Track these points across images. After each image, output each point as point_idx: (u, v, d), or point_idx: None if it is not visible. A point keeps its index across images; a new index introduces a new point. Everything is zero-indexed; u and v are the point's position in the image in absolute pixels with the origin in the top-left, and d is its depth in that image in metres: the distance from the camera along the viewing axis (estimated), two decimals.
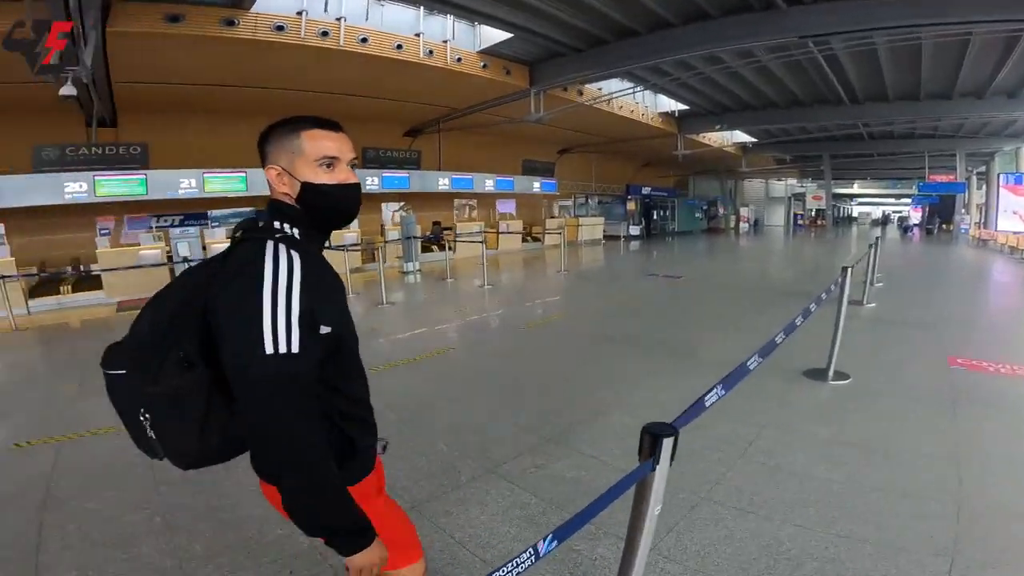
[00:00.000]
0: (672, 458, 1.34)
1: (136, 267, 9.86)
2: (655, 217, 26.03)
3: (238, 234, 1.11)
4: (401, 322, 7.15)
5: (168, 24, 7.90)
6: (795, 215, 32.94)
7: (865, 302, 7.08)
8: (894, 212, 40.60)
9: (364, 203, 1.32)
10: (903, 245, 20.90)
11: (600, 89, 14.78)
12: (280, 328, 0.97)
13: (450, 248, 14.49)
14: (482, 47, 11.37)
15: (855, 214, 45.50)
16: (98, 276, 10.62)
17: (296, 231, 1.11)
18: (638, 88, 14.55)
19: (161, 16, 7.83)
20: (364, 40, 9.86)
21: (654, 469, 1.33)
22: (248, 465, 1.06)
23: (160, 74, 10.24)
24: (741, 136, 22.19)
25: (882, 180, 36.46)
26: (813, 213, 32.13)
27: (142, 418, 1.07)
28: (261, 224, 1.11)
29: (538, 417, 3.57)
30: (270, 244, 1.04)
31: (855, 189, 40.43)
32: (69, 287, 11.01)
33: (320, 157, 1.10)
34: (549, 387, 4.23)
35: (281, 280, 1.00)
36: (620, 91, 14.17)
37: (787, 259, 15.19)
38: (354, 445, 1.19)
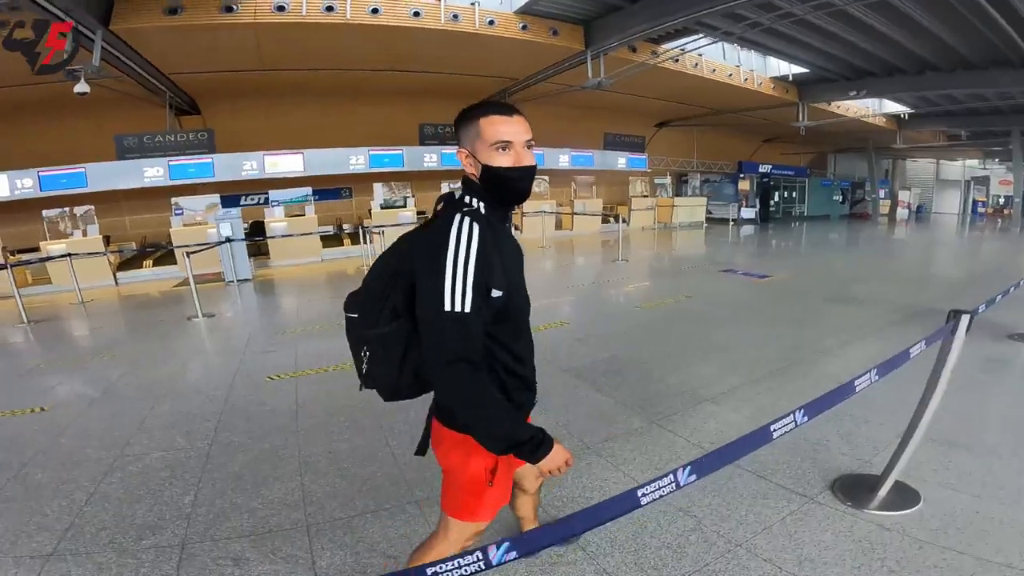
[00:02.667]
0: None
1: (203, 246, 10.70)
2: (776, 199, 22.87)
3: (438, 206, 1.37)
4: None
5: (168, 17, 8.41)
6: (974, 202, 26.89)
7: None
8: None
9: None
10: None
11: (683, 51, 12.99)
12: (457, 291, 1.19)
13: (516, 228, 13.85)
14: (519, 7, 10.44)
15: None
16: (172, 252, 12.17)
17: (482, 205, 1.33)
18: (730, 43, 12.51)
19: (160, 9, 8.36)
20: (375, 11, 9.67)
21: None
22: None
23: (213, 62, 10.97)
24: (894, 106, 18.35)
25: None
26: (1002, 201, 25.77)
27: (362, 354, 1.40)
28: (456, 198, 1.35)
29: None
30: (457, 217, 1.26)
31: None
32: (151, 262, 12.55)
33: (496, 141, 1.28)
34: None
35: (461, 251, 1.21)
36: (692, 45, 12.12)
37: (942, 258, 11.96)
38: (510, 398, 1.39)
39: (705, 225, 19.07)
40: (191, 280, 7.36)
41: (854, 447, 2.97)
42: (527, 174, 1.33)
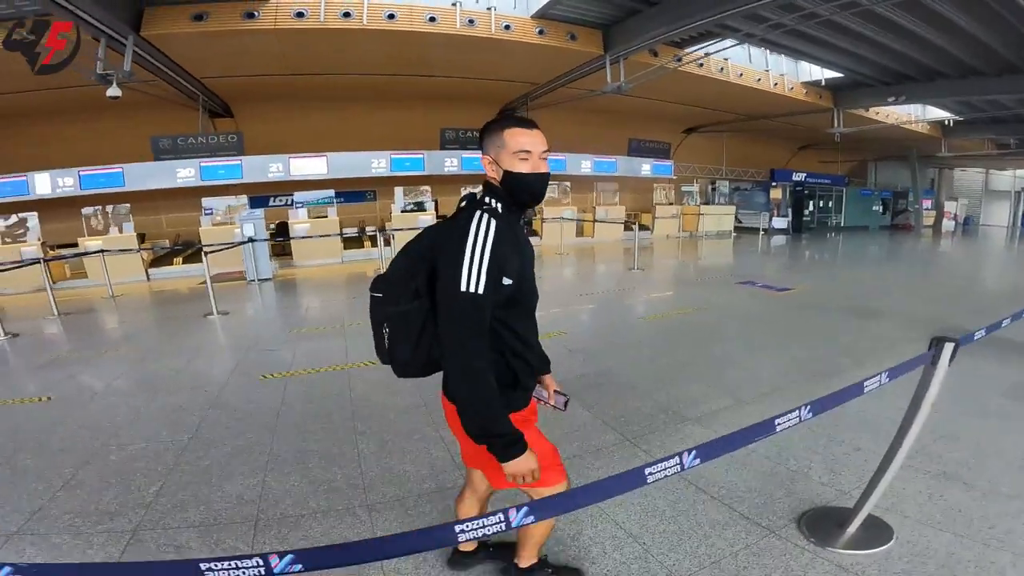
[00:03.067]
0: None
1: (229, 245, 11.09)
2: (811, 208, 22.15)
3: (462, 204, 1.56)
4: None
5: (195, 23, 8.76)
6: None
7: None
8: None
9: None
10: None
11: (707, 54, 12.77)
12: (473, 274, 1.37)
13: (536, 234, 13.79)
14: (536, 11, 10.49)
15: None
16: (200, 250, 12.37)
17: (500, 205, 1.51)
18: (756, 46, 12.21)
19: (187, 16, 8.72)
20: (391, 16, 9.86)
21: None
22: None
23: (241, 67, 11.37)
24: (937, 112, 17.57)
25: None
26: None
27: (384, 331, 1.54)
28: (477, 198, 1.54)
29: None
30: (478, 213, 1.45)
31: None
32: (181, 259, 13.05)
33: (518, 150, 1.47)
34: None
35: (479, 240, 1.39)
36: (715, 48, 11.89)
37: (982, 273, 11.30)
38: (517, 380, 1.59)
39: (733, 235, 18.58)
40: (207, 278, 7.64)
41: (836, 476, 2.81)
42: (543, 180, 1.53)
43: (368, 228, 15.57)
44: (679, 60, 12.45)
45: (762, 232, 18.77)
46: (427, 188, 14.47)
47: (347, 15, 9.71)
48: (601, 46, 11.58)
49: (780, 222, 20.35)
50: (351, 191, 16.07)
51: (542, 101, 15.12)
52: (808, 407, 1.65)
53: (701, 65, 12.87)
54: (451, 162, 14.74)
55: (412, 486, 2.79)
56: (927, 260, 13.78)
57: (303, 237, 12.72)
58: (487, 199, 1.52)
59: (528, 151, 1.48)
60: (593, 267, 11.63)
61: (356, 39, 10.31)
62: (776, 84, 14.26)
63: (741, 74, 13.57)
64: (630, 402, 3.89)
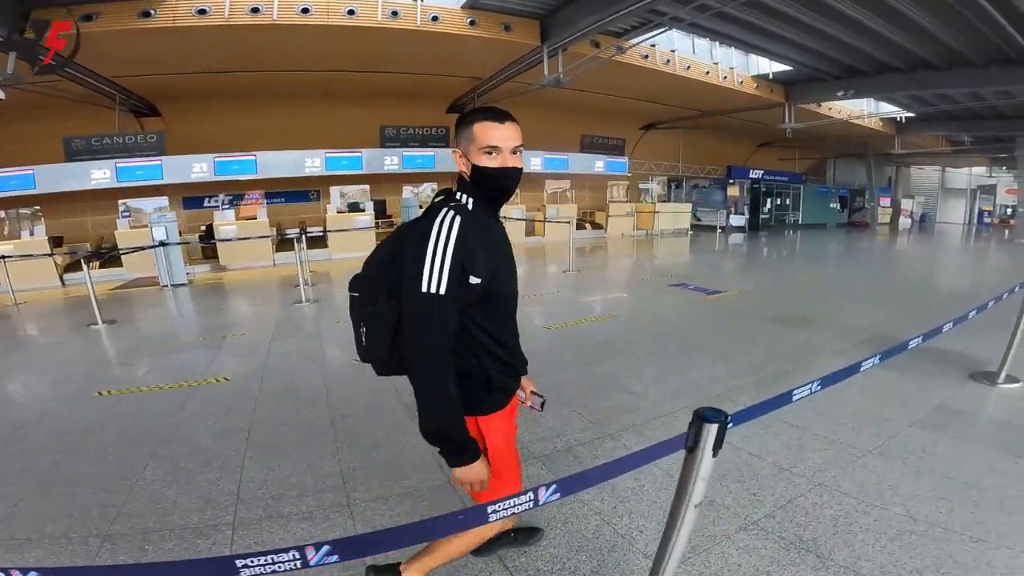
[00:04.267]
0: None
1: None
2: (769, 206, 21.69)
3: (436, 199, 1.49)
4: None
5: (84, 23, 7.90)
6: (980, 212, 25.33)
7: (1003, 376, 3.94)
8: None
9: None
10: None
11: (654, 46, 12.11)
12: (434, 274, 1.32)
13: None
14: (466, 1, 9.73)
15: None
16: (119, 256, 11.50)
17: (470, 201, 1.46)
18: (699, 36, 11.55)
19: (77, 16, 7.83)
20: (305, 11, 9.06)
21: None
22: None
23: (157, 66, 10.46)
24: (890, 108, 17.17)
25: None
26: (1009, 211, 24.04)
27: (361, 329, 1.51)
28: (448, 194, 1.49)
29: None
30: (444, 210, 1.40)
31: None
32: (98, 264, 11.95)
33: (485, 145, 1.40)
34: None
35: (441, 239, 1.34)
36: (659, 38, 11.18)
37: (928, 273, 10.70)
38: (491, 382, 1.50)
39: (690, 232, 17.99)
40: (89, 286, 6.67)
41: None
42: (512, 175, 1.44)
43: (312, 229, 14.69)
44: (621, 50, 11.77)
45: (719, 230, 18.21)
46: (366, 187, 13.63)
47: (255, 11, 8.89)
48: (538, 37, 10.80)
49: (738, 220, 19.84)
50: (293, 191, 15.16)
51: (492, 96, 14.31)
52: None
53: (646, 57, 12.20)
54: (391, 160, 13.83)
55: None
56: (877, 259, 13.23)
57: (229, 239, 11.74)
58: (458, 194, 1.48)
59: (496, 145, 1.40)
60: (529, 268, 10.80)
61: (270, 35, 9.48)
62: (725, 78, 13.60)
63: (689, 67, 12.87)
64: None
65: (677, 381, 4.00)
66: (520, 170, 1.46)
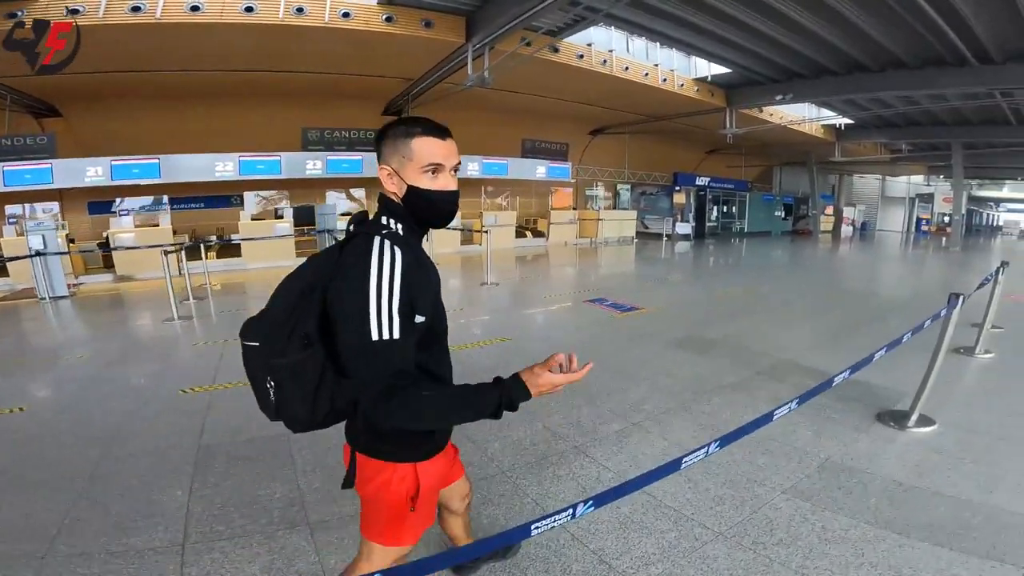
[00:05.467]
0: None
1: None
2: (716, 214, 21.58)
3: (351, 227, 1.27)
4: None
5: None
6: (918, 220, 25.94)
7: (979, 351, 4.86)
8: None
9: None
10: None
11: (590, 45, 11.63)
12: (384, 318, 1.11)
13: None
14: None
15: (1001, 222, 36.02)
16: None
17: (400, 227, 1.26)
18: (643, 38, 11.12)
19: None
20: (195, 8, 8.27)
21: None
22: None
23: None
24: (827, 113, 17.17)
25: None
26: (945, 220, 24.64)
27: (268, 385, 1.23)
28: (372, 220, 1.28)
29: None
30: (377, 240, 1.18)
31: (1005, 192, 31.54)
32: None
33: (427, 164, 1.22)
34: None
35: (385, 277, 1.13)
36: (595, 37, 10.74)
37: (858, 285, 10.38)
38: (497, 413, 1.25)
39: (635, 241, 17.56)
40: None
41: None
42: (453, 199, 1.29)
43: (231, 236, 13.62)
44: (554, 50, 11.21)
45: (665, 238, 17.89)
46: (285, 192, 12.66)
47: (136, 9, 8.04)
48: (463, 34, 10.11)
49: (684, 227, 19.57)
50: (213, 195, 14.04)
51: (428, 97, 13.53)
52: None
53: (581, 57, 11.64)
54: (314, 164, 12.88)
55: None
56: (812, 269, 12.96)
57: (127, 248, 10.62)
58: (386, 220, 1.26)
59: (440, 164, 1.23)
60: (446, 282, 10.00)
61: (162, 34, 8.62)
62: (665, 80, 13.17)
63: (627, 68, 12.38)
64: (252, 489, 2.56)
65: (528, 431, 3.31)
66: (458, 193, 1.32)
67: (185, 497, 2.59)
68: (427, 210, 1.25)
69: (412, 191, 1.22)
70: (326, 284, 1.19)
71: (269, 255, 11.54)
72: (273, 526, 2.34)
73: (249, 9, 8.58)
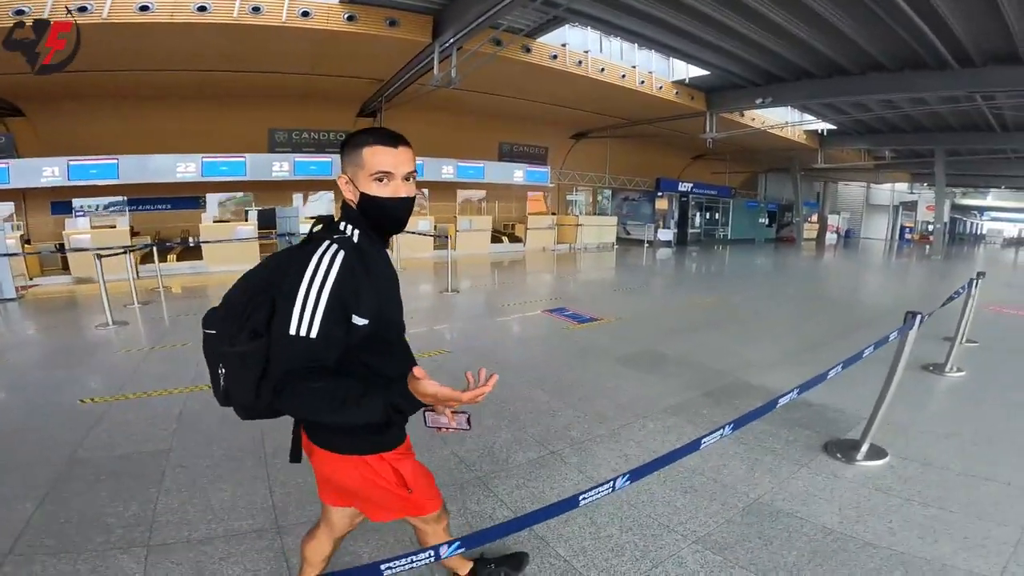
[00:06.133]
0: None
1: None
2: (699, 221, 21.33)
3: (314, 230, 1.33)
4: None
5: None
6: (902, 228, 25.84)
7: (949, 368, 4.59)
8: None
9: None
10: None
11: (564, 45, 11.37)
12: (306, 316, 1.16)
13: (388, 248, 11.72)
14: None
15: (984, 231, 36.20)
16: None
17: (356, 232, 1.31)
18: (617, 38, 10.85)
19: None
20: (144, 8, 7.98)
21: None
22: None
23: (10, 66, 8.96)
24: (807, 117, 16.98)
25: None
26: (928, 228, 24.54)
27: (219, 371, 1.32)
28: (332, 223, 1.34)
29: None
30: (325, 243, 1.24)
31: (989, 200, 31.67)
32: None
33: (375, 172, 1.26)
34: None
35: (317, 277, 1.19)
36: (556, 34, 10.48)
37: (833, 296, 10.12)
38: (388, 420, 1.24)
39: (616, 247, 17.24)
40: None
41: None
42: (403, 205, 1.32)
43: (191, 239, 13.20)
44: (528, 50, 10.92)
45: (646, 244, 17.61)
46: (249, 194, 12.28)
47: (83, 10, 7.67)
48: (430, 33, 9.79)
49: (666, 234, 19.29)
50: (180, 197, 13.62)
51: (402, 99, 13.21)
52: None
53: (555, 57, 11.35)
54: (281, 166, 12.49)
55: None
56: (789, 278, 12.67)
57: (83, 249, 10.18)
58: (342, 225, 1.33)
59: (388, 172, 1.27)
60: (406, 288, 9.61)
61: (111, 33, 8.23)
62: (643, 82, 12.88)
63: (603, 69, 12.08)
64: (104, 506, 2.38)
65: (433, 457, 2.95)
66: (413, 199, 1.34)
67: (31, 510, 2.43)
68: (379, 216, 1.30)
69: (364, 198, 1.28)
70: (278, 282, 1.24)
71: (232, 258, 11.13)
72: (108, 544, 2.20)
73: (202, 8, 8.27)
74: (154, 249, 9.43)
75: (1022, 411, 3.78)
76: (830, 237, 24.17)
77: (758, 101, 13.30)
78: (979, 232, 37.89)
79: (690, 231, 20.74)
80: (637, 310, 7.50)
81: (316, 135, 13.06)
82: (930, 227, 23.55)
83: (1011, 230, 36.82)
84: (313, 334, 1.15)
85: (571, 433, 3.32)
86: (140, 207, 13.05)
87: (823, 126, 17.30)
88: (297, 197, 12.42)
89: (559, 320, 6.52)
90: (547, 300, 7.92)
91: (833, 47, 10.63)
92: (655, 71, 13.11)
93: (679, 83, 13.60)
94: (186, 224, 13.39)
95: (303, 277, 1.18)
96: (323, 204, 12.65)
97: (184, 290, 9.32)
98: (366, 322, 1.23)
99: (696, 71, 12.90)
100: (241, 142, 12.54)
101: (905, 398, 3.85)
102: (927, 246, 21.77)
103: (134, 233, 12.97)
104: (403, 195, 1.29)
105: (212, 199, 11.87)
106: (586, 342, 5.57)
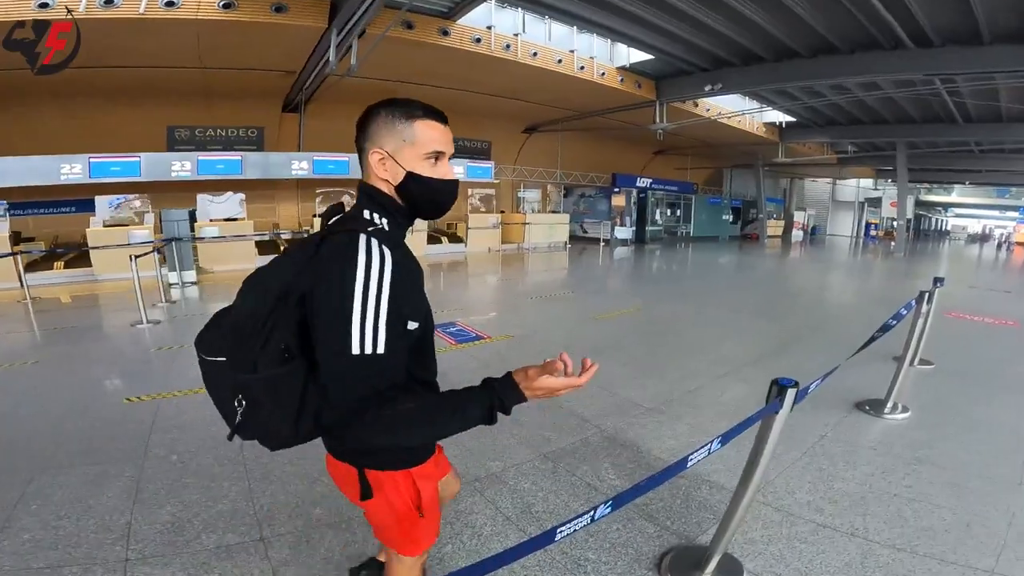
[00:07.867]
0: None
1: None
2: (659, 218, 20.41)
3: (330, 222, 1.11)
4: None
5: None
6: (867, 224, 25.29)
7: (890, 407, 3.55)
8: (998, 227, 31.87)
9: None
10: (1000, 274, 14.10)
11: (491, 28, 10.26)
12: (368, 330, 0.96)
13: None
14: None
15: (949, 227, 36.30)
16: None
17: (386, 222, 1.10)
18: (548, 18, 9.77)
19: None
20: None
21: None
22: None
23: None
24: (775, 114, 16.09)
25: (992, 186, 27.65)
26: (893, 224, 23.94)
27: (237, 405, 1.07)
28: (353, 215, 1.11)
29: None
30: (363, 239, 1.01)
31: (953, 197, 31.57)
32: None
33: (431, 150, 1.09)
34: None
35: (372, 282, 0.98)
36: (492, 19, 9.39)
37: (794, 293, 9.21)
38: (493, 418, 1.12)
39: (569, 246, 16.15)
40: None
41: None
42: (454, 189, 1.16)
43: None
44: (446, 33, 9.78)
45: (603, 243, 16.56)
46: (146, 197, 11.02)
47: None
48: (326, 19, 8.63)
49: (623, 232, 18.28)
50: (77, 199, 12.26)
51: (325, 92, 12.02)
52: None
53: (478, 41, 10.21)
54: (182, 166, 11.18)
55: None
56: (745, 279, 11.69)
57: None
58: (369, 214, 1.09)
59: (443, 151, 1.10)
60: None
61: None
62: (583, 68, 11.75)
63: (536, 53, 10.94)
64: None
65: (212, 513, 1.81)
66: (458, 183, 1.18)
67: None
68: (428, 199, 1.12)
69: (411, 178, 1.08)
70: (305, 288, 1.00)
71: (125, 265, 9.83)
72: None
73: (44, 5, 7.16)
74: (17, 257, 8.09)
75: (975, 479, 2.73)
76: (796, 234, 23.41)
77: (707, 88, 12.33)
78: (944, 228, 37.99)
79: (650, 229, 19.73)
80: (539, 324, 6.38)
81: (225, 132, 11.86)
82: (894, 223, 22.93)
83: (975, 226, 37.02)
84: (380, 350, 0.96)
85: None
86: (25, 211, 11.71)
87: (781, 118, 16.41)
88: (203, 198, 11.15)
89: (439, 339, 5.39)
90: (446, 312, 6.74)
91: (780, 26, 9.72)
92: (597, 56, 12.04)
93: (622, 69, 12.55)
94: (74, 228, 12.10)
95: (353, 287, 0.95)
96: (232, 205, 11.37)
97: (89, 297, 8.37)
98: (417, 325, 1.09)
99: (639, 55, 11.87)
100: (140, 141, 11.32)
101: (815, 460, 2.78)
102: (891, 242, 21.12)
103: (25, 239, 11.65)
104: (453, 177, 1.14)
105: (101, 202, 10.53)
106: (453, 370, 4.38)
